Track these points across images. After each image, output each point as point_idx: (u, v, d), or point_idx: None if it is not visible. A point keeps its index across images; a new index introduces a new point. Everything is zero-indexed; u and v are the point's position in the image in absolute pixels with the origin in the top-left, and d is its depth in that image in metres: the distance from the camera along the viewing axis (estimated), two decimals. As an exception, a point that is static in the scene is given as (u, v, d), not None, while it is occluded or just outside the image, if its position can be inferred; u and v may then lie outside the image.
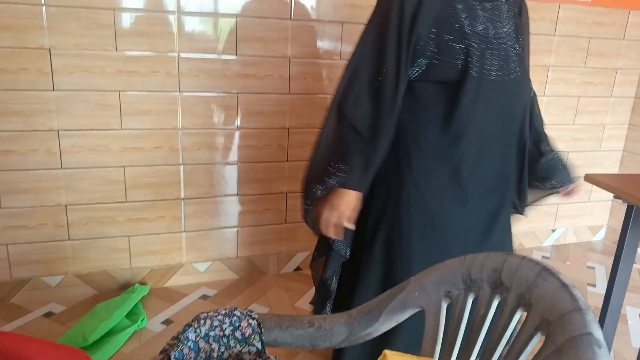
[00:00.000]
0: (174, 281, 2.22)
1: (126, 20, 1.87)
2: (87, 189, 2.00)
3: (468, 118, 1.22)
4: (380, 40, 1.20)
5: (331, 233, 1.27)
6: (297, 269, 2.40)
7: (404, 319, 0.94)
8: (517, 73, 1.24)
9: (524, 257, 0.78)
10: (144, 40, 1.91)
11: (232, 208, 2.22)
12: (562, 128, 2.70)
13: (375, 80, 1.21)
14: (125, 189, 2.04)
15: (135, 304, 2.00)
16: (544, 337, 0.70)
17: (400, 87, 1.20)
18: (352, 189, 1.23)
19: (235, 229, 2.26)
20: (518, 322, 0.77)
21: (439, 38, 1.17)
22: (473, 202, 1.30)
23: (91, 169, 1.98)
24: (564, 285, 0.70)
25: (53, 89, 1.86)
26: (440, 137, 1.24)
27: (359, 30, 2.19)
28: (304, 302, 2.16)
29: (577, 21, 2.53)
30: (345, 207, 1.23)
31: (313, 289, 2.25)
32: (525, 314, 0.75)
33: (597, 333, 0.62)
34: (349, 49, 2.18)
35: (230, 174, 2.18)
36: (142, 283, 2.16)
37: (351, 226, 1.27)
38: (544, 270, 0.74)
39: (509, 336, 0.77)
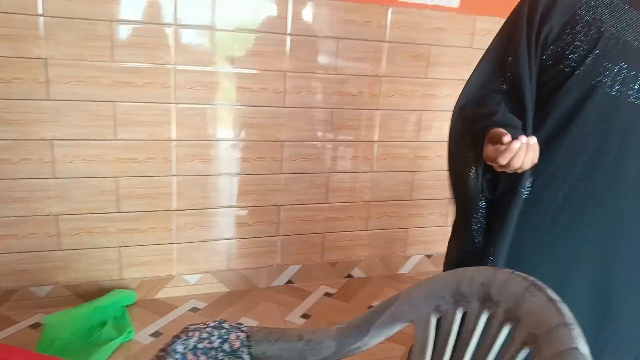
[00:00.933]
0: (164, 293, 2.20)
1: (123, 31, 1.89)
2: (79, 199, 1.99)
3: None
4: (507, 38, 1.08)
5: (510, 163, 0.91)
6: (289, 282, 2.39)
7: (394, 332, 0.94)
8: None
9: (512, 272, 0.79)
10: (141, 52, 1.92)
11: (224, 220, 2.22)
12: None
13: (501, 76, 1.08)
14: (118, 200, 2.04)
15: (122, 315, 1.99)
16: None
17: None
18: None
19: (227, 241, 2.25)
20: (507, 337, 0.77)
21: (568, 39, 1.01)
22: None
23: (84, 178, 1.97)
24: (552, 300, 0.71)
25: (48, 99, 1.86)
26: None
27: (354, 46, 2.23)
28: (295, 316, 2.14)
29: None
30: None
31: (303, 303, 2.25)
32: (513, 328, 0.76)
33: (583, 348, 0.62)
34: (344, 64, 2.20)
35: (223, 186, 2.18)
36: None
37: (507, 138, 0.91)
38: (532, 285, 0.75)
39: (497, 350, 0.77)
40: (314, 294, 2.33)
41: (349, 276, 2.50)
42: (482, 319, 0.81)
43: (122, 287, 2.12)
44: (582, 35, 1.00)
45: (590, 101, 0.99)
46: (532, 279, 0.76)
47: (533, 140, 0.89)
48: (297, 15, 2.09)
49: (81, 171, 1.96)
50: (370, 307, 1.00)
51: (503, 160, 0.89)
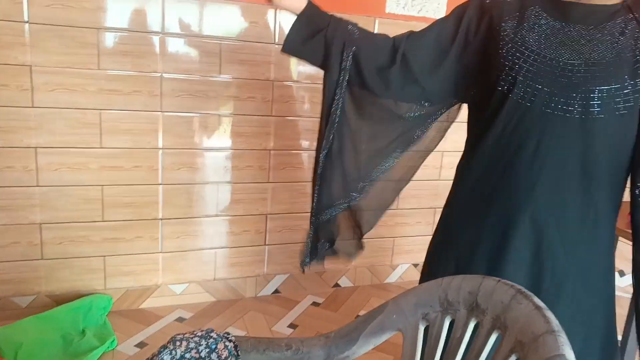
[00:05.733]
0: (150, 303, 2.17)
1: (110, 39, 1.88)
2: (63, 208, 1.96)
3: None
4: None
5: None
6: (276, 291, 2.38)
7: (382, 341, 0.94)
8: (608, 113, 0.96)
9: (499, 280, 0.80)
10: (127, 60, 1.91)
11: (210, 229, 2.21)
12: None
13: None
14: (103, 208, 2.01)
15: (104, 324, 1.96)
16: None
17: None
18: None
19: (214, 251, 2.24)
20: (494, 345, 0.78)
21: (487, 51, 1.08)
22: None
23: (68, 187, 1.95)
24: (538, 308, 0.72)
25: (32, 106, 1.84)
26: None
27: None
28: (282, 326, 2.13)
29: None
30: None
31: (291, 313, 2.24)
32: (500, 336, 0.76)
33: (569, 355, 0.63)
34: (331, 73, 2.21)
35: (210, 195, 2.17)
36: (118, 304, 2.11)
37: None
38: (519, 293, 0.76)
39: (485, 358, 0.78)
40: (301, 303, 2.32)
41: (337, 285, 2.49)
42: (469, 327, 0.81)
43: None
44: (504, 52, 1.03)
45: (504, 111, 1.03)
46: (519, 287, 0.77)
47: None
48: (283, 25, 2.10)
49: (66, 179, 1.94)
50: (358, 316, 1.00)
51: None
